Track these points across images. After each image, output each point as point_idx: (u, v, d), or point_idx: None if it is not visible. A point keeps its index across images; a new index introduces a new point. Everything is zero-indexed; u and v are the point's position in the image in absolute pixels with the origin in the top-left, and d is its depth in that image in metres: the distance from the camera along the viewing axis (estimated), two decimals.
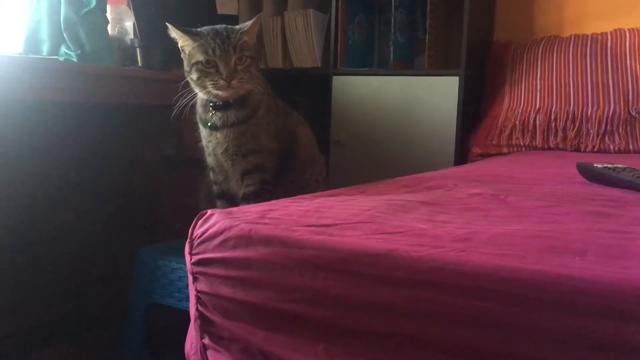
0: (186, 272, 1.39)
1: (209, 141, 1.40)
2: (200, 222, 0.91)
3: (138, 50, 2.13)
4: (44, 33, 1.90)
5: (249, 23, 1.33)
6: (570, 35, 2.27)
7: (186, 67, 1.34)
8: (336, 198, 1.08)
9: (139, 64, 2.11)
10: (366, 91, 2.39)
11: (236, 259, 0.85)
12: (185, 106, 1.35)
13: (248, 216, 0.90)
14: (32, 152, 1.83)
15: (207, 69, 1.28)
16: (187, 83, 1.36)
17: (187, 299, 1.38)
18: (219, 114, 1.35)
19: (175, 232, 1.88)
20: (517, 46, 2.36)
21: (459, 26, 2.25)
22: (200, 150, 1.48)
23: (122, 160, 2.04)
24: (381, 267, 0.74)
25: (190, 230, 0.92)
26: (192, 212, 1.86)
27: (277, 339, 0.81)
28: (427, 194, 1.07)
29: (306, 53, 2.50)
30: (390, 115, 2.35)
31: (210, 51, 1.27)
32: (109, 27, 2.02)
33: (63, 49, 1.88)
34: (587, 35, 2.23)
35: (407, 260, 0.73)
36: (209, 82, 1.29)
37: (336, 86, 2.44)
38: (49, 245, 1.88)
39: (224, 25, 1.33)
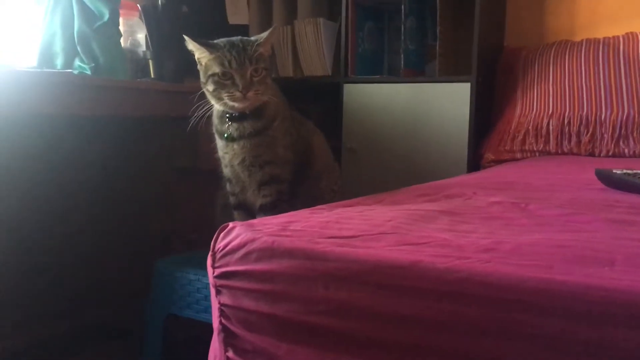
0: (205, 283, 1.40)
1: (226, 152, 1.40)
2: (222, 234, 0.91)
3: (150, 62, 2.14)
4: (58, 46, 1.91)
5: (265, 34, 1.34)
6: (582, 40, 2.27)
7: (202, 79, 1.35)
8: (354, 208, 1.08)
9: (152, 76, 2.13)
10: (377, 99, 2.39)
11: (259, 272, 0.85)
12: (201, 117, 1.36)
13: (270, 228, 0.90)
14: (46, 166, 1.84)
15: (223, 81, 1.29)
16: (203, 94, 1.37)
17: (206, 310, 1.39)
18: (235, 124, 1.36)
19: (189, 243, 1.88)
20: (529, 51, 2.36)
21: (470, 32, 2.25)
22: (217, 161, 1.48)
23: (136, 172, 2.05)
24: (406, 279, 0.74)
25: (212, 243, 0.92)
26: (207, 223, 1.87)
27: (301, 351, 0.81)
28: (446, 203, 1.07)
29: (317, 61, 2.51)
30: (402, 122, 2.35)
31: (227, 63, 1.28)
32: (121, 40, 2.03)
33: (77, 62, 1.89)
34: (599, 39, 2.22)
35: (432, 271, 0.72)
36: (225, 94, 1.29)
37: (347, 94, 2.45)
38: (64, 256, 1.89)
39: (240, 37, 1.34)
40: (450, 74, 2.34)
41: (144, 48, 2.18)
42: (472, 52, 2.21)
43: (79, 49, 1.88)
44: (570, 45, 2.28)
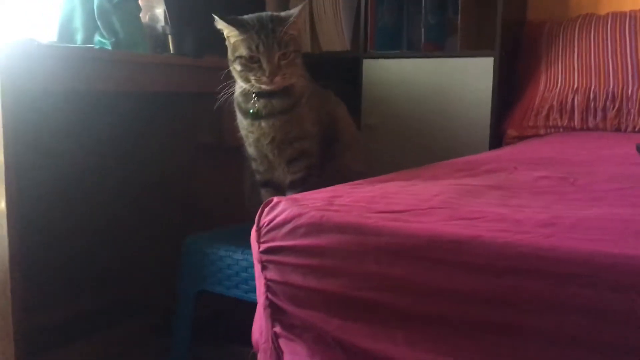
0: (235, 260, 1.39)
1: (251, 132, 1.37)
2: (267, 209, 0.90)
3: (170, 37, 2.11)
4: (78, 22, 1.88)
5: (295, 11, 1.30)
6: (608, 13, 2.22)
7: (230, 57, 1.32)
8: (395, 183, 1.06)
9: (171, 52, 2.10)
10: (397, 74, 2.36)
11: (307, 247, 0.84)
12: (229, 97, 1.34)
13: (316, 203, 0.88)
14: (69, 141, 1.82)
15: (250, 64, 1.27)
16: (229, 73, 1.34)
17: (237, 286, 1.38)
18: (263, 101, 1.33)
19: (214, 219, 1.87)
20: (552, 25, 2.32)
21: (491, 6, 2.21)
22: (241, 139, 1.46)
23: (160, 148, 2.03)
24: (464, 254, 0.72)
25: (256, 218, 0.91)
26: (231, 200, 1.85)
27: (353, 327, 0.80)
28: (490, 178, 1.05)
29: (335, 36, 2.47)
30: (422, 98, 2.32)
31: (254, 47, 1.25)
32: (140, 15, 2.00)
33: (97, 38, 1.87)
34: (626, 13, 2.18)
35: (492, 246, 0.71)
36: (252, 77, 1.27)
37: (367, 70, 2.41)
38: (88, 232, 1.88)
39: (270, 15, 1.30)
40: (471, 49, 2.30)
41: (162, 23, 2.14)
42: (495, 26, 2.17)
43: (99, 23, 1.85)
44: (596, 18, 2.23)
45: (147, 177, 2.01)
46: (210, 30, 1.89)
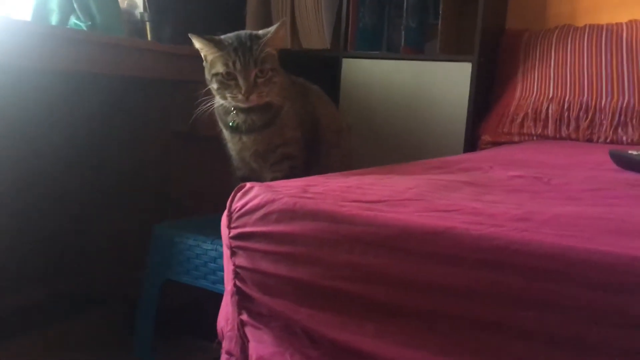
0: (204, 250, 1.37)
1: (233, 144, 1.37)
2: (239, 194, 0.88)
3: (148, 24, 2.08)
4: (53, 3, 1.84)
5: (272, 29, 1.29)
6: (585, 25, 2.25)
7: (207, 75, 1.31)
8: (370, 176, 1.05)
9: (149, 38, 2.06)
10: (376, 75, 2.35)
11: (279, 234, 0.82)
12: (205, 111, 1.32)
13: (290, 190, 0.87)
14: (39, 121, 1.77)
15: (226, 81, 1.26)
16: (209, 90, 1.33)
17: (205, 277, 1.36)
18: (242, 116, 1.32)
19: (185, 209, 1.84)
20: (531, 34, 2.34)
21: (471, 12, 2.22)
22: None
23: (133, 134, 1.99)
24: (438, 245, 0.72)
25: (228, 203, 0.89)
26: (203, 189, 1.83)
27: (322, 317, 0.79)
28: (466, 175, 1.05)
29: (315, 34, 2.46)
30: (400, 100, 2.32)
31: (231, 64, 1.24)
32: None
33: (73, 20, 1.83)
34: (602, 26, 2.21)
35: (466, 238, 0.70)
36: (229, 95, 1.27)
37: (346, 69, 2.40)
38: (54, 217, 1.84)
39: (248, 33, 1.29)
40: (450, 53, 2.31)
41: (141, 10, 2.11)
42: (475, 32, 2.18)
43: (75, 6, 1.82)
44: (573, 30, 2.26)
45: (118, 164, 1.97)
46: (188, 18, 1.87)
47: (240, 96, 1.25)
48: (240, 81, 1.24)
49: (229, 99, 1.27)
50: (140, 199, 2.01)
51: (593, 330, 0.64)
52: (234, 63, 1.24)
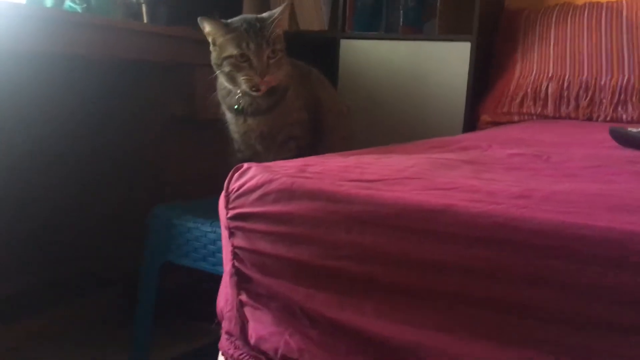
0: (203, 232, 1.36)
1: (237, 126, 1.36)
2: (236, 175, 0.87)
3: (143, 6, 2.06)
4: None
5: (279, 10, 1.27)
6: (585, 3, 2.23)
7: (216, 60, 1.28)
8: (370, 156, 1.05)
9: (144, 21, 2.05)
10: (375, 56, 2.34)
11: (277, 214, 0.81)
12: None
13: (287, 170, 0.86)
14: (32, 105, 1.76)
15: (240, 63, 1.24)
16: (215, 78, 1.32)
17: (204, 259, 1.36)
18: (247, 99, 1.31)
19: (183, 193, 1.83)
20: (530, 13, 2.32)
21: None
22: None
23: (130, 118, 1.97)
24: (437, 223, 0.71)
25: (225, 183, 0.88)
26: (202, 173, 1.81)
27: (321, 296, 0.79)
28: (465, 154, 1.04)
29: (313, 15, 2.44)
30: (398, 80, 2.31)
31: (245, 45, 1.22)
32: None
33: (68, 3, 1.81)
34: (602, 3, 2.19)
35: (465, 215, 0.70)
36: (242, 77, 1.24)
37: (344, 50, 2.39)
38: (53, 201, 1.83)
39: (254, 16, 1.28)
40: (449, 33, 2.29)
41: None
42: (474, 11, 2.16)
43: None
44: (573, 7, 2.24)
45: (116, 147, 1.96)
46: (183, 0, 1.84)
47: (256, 77, 1.23)
48: (255, 62, 1.23)
49: (243, 82, 1.25)
50: (138, 182, 2.01)
51: (592, 307, 0.63)
52: (247, 44, 1.23)
